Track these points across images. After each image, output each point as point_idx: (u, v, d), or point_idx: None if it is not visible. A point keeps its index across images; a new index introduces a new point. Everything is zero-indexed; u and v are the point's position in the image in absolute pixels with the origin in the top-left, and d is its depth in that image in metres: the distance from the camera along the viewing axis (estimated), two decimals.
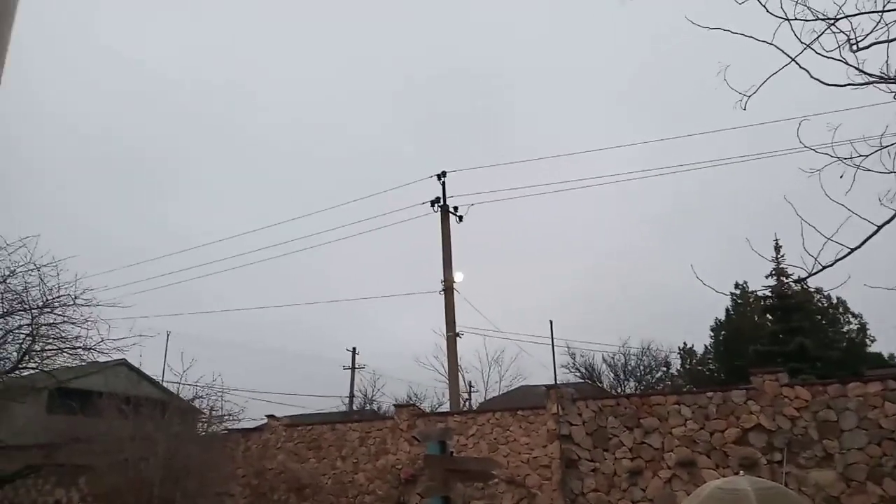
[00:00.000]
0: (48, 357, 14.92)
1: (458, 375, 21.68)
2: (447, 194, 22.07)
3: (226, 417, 16.96)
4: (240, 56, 68.88)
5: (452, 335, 21.00)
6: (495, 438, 14.90)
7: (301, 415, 27.50)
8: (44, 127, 58.39)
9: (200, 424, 16.72)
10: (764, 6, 3.98)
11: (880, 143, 4.07)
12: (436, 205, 21.99)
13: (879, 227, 4.18)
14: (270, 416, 18.52)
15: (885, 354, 26.82)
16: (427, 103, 67.25)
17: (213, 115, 66.28)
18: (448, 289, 21.15)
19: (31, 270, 14.00)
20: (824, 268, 4.38)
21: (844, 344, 26.99)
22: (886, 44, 3.98)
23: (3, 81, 1.47)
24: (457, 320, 21.12)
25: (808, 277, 4.48)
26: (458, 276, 21.60)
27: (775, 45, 4.14)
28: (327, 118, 66.75)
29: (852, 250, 4.31)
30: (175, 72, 64.80)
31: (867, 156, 4.07)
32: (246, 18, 68.03)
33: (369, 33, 68.03)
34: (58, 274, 14.17)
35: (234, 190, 63.27)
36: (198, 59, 66.53)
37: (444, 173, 22.10)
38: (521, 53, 63.38)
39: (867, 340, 27.61)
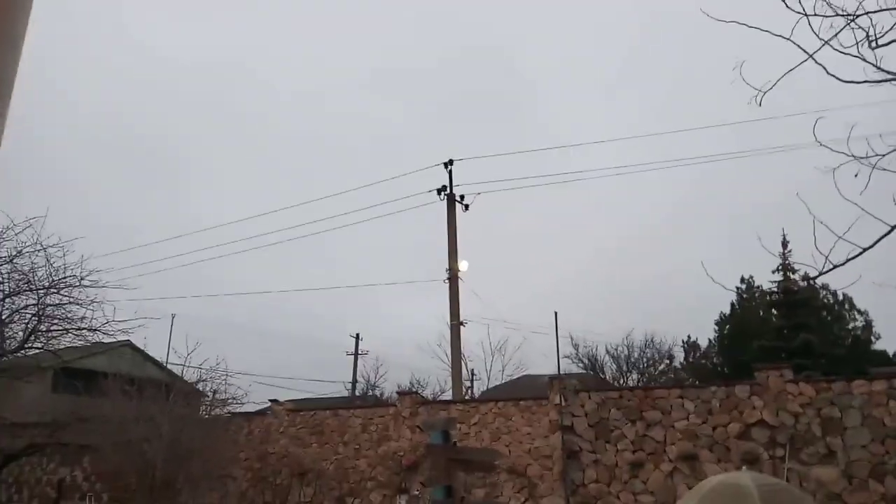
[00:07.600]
0: (54, 337, 14.96)
1: (461, 364, 21.73)
2: (454, 182, 22.04)
3: (229, 401, 17.04)
4: (256, 42, 68.67)
5: (456, 324, 21.01)
6: (497, 428, 14.93)
7: (304, 399, 27.63)
8: (56, 110, 58.43)
9: (204, 407, 16.79)
10: (783, 1, 3.91)
11: None
12: (442, 193, 21.94)
13: (893, 228, 4.13)
14: (273, 401, 18.58)
15: (890, 352, 26.73)
16: (440, 87, 66.98)
17: (227, 101, 66.20)
18: (453, 277, 21.14)
19: (38, 251, 13.99)
20: (835, 267, 4.34)
21: (849, 341, 26.90)
22: None
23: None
24: (461, 309, 21.15)
25: (818, 276, 4.44)
26: (463, 265, 21.60)
27: (793, 41, 4.09)
28: (344, 105, 66.44)
29: (864, 250, 4.26)
30: (189, 58, 64.72)
31: (884, 155, 4.01)
32: (263, 4, 67.73)
33: (375, 24, 67.68)
34: (64, 255, 14.16)
35: (245, 175, 63.29)
36: (214, 46, 66.39)
37: (451, 161, 22.03)
38: (537, 35, 63.03)
39: (872, 338, 27.51)
